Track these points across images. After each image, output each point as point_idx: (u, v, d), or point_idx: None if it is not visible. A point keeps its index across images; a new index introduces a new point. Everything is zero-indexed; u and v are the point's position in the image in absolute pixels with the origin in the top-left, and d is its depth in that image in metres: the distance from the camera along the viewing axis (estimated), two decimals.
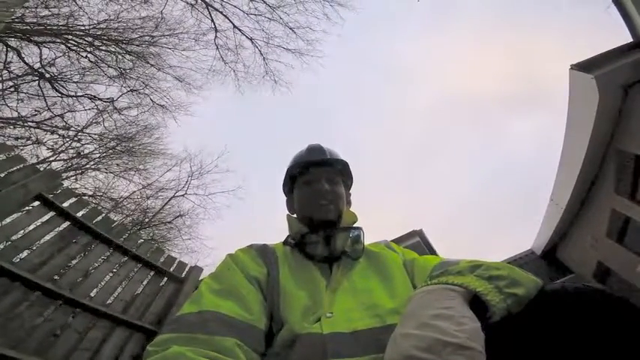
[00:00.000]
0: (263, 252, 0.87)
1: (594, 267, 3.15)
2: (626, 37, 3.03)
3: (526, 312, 0.49)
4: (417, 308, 0.48)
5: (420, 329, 0.43)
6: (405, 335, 0.44)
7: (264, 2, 9.56)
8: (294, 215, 1.02)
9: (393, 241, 1.05)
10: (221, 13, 9.53)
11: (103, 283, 2.75)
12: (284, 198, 1.12)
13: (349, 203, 1.08)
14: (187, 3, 9.28)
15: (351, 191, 1.13)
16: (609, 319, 0.44)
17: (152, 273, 3.07)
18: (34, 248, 2.40)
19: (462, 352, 0.38)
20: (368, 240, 0.96)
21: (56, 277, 2.41)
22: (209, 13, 9.47)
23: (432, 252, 4.05)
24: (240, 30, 9.86)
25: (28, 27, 7.56)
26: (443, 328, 0.41)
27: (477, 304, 0.48)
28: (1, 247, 2.25)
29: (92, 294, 2.60)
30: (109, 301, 2.66)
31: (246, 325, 0.63)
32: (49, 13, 7.90)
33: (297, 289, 0.75)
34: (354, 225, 0.95)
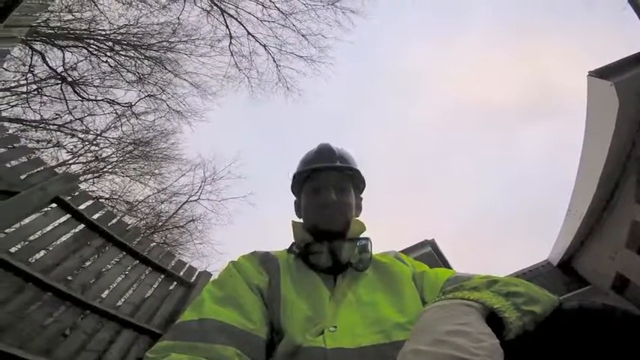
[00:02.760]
0: (265, 260, 0.85)
1: (612, 278, 3.02)
2: None
3: (541, 330, 0.47)
4: (430, 324, 0.46)
5: (434, 346, 0.40)
6: (415, 352, 0.41)
7: (278, 9, 9.71)
8: (301, 219, 0.99)
9: (404, 250, 1.01)
10: (236, 19, 9.73)
11: (113, 286, 2.80)
12: (293, 201, 1.08)
13: (360, 208, 1.03)
14: (203, 9, 9.51)
15: (362, 195, 1.06)
16: (628, 338, 0.42)
17: (162, 277, 3.11)
18: (50, 249, 2.47)
19: None
20: (376, 250, 0.92)
21: (69, 278, 2.48)
22: (224, 19, 9.68)
23: (444, 262, 3.97)
24: (254, 37, 10.04)
25: (53, 31, 7.84)
26: (459, 344, 0.39)
27: (492, 321, 0.46)
28: (18, 247, 2.33)
29: (103, 295, 2.65)
30: (118, 304, 2.71)
31: (246, 335, 0.62)
32: (72, 18, 8.20)
33: (299, 299, 0.73)
34: (362, 235, 0.92)
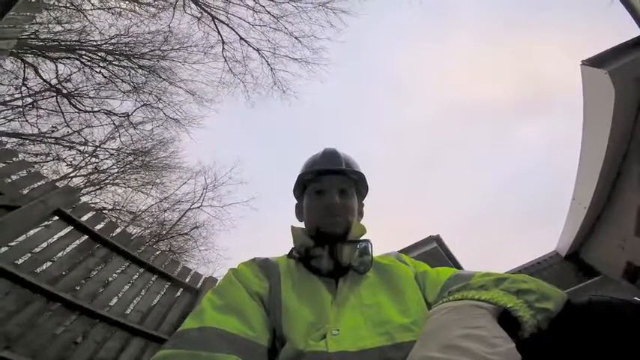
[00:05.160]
0: (265, 266, 0.84)
1: (623, 267, 3.01)
2: (633, 31, 2.95)
3: (551, 327, 0.45)
4: (440, 327, 0.44)
5: (445, 352, 0.38)
6: (426, 359, 0.40)
7: (268, 13, 9.69)
8: (302, 222, 0.98)
9: (409, 247, 0.99)
10: (227, 25, 9.70)
11: (120, 295, 2.80)
12: (295, 204, 1.06)
13: (361, 214, 1.02)
14: (193, 16, 9.47)
15: (364, 201, 1.05)
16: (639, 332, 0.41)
17: (168, 284, 3.11)
18: (55, 260, 2.47)
19: None
20: (378, 251, 0.91)
21: (77, 288, 2.47)
22: (215, 25, 9.65)
23: (451, 258, 3.92)
24: (246, 41, 10.01)
25: (43, 43, 7.79)
26: (473, 350, 0.37)
27: (504, 321, 0.44)
28: (24, 259, 2.33)
29: (110, 304, 2.65)
30: (126, 312, 2.71)
31: (248, 342, 0.61)
32: (62, 29, 8.15)
33: (300, 305, 0.72)
34: (363, 237, 0.91)
